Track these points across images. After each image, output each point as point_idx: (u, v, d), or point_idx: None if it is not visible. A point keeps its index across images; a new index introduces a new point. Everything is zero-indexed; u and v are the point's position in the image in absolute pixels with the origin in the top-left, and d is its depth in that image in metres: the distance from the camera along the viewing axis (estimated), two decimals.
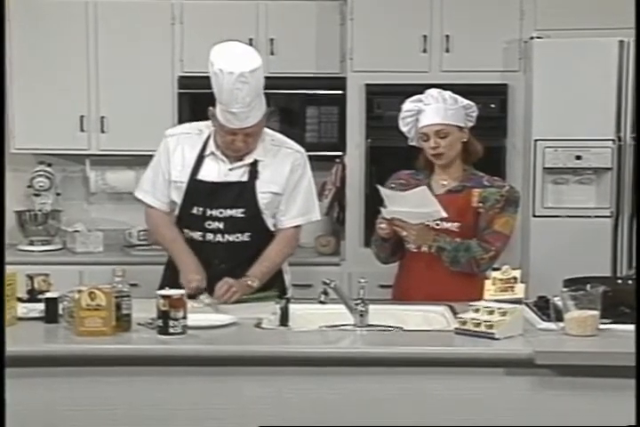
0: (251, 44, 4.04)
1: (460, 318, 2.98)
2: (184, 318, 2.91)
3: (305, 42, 5.24)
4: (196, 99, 5.04)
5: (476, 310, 2.97)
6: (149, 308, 2.96)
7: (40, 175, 5.41)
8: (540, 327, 3.03)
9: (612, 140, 4.85)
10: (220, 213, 3.59)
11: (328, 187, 5.22)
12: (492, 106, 4.98)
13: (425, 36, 5.02)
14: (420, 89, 3.76)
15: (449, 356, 2.84)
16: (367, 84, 5.05)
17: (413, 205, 3.46)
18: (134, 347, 2.87)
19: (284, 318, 3.13)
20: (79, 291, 2.91)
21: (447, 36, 5.02)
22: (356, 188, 5.12)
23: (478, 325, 2.90)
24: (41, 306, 3.10)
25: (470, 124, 3.69)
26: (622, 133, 4.86)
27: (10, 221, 5.10)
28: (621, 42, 4.79)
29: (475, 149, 3.69)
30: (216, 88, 3.44)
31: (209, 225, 3.61)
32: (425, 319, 3.32)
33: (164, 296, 2.90)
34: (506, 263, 3.18)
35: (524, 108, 5.01)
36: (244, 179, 3.61)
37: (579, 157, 4.87)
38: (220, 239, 3.61)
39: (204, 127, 3.67)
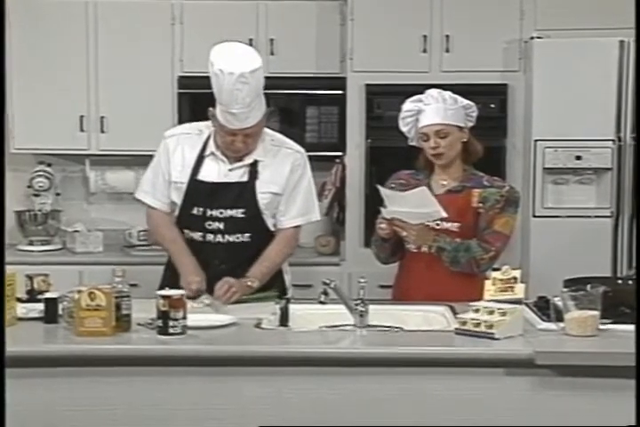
0: (251, 45, 4.04)
1: (460, 318, 2.98)
2: (184, 318, 2.91)
3: (305, 42, 5.24)
4: (195, 99, 5.04)
5: (476, 311, 2.97)
6: (149, 308, 2.96)
7: (40, 175, 5.41)
8: (540, 328, 3.03)
9: (612, 140, 4.85)
10: (221, 213, 3.59)
11: (328, 187, 5.22)
12: (492, 106, 4.98)
13: (425, 36, 5.02)
14: (420, 89, 3.76)
15: (449, 356, 2.84)
16: (367, 85, 5.05)
17: (413, 206, 3.46)
18: (134, 347, 2.87)
19: (283, 319, 3.13)
20: (79, 291, 2.91)
21: (447, 36, 5.02)
22: (356, 188, 5.12)
23: (478, 325, 2.90)
24: (40, 306, 3.10)
25: (470, 125, 3.69)
26: (622, 134, 4.85)
27: (9, 221, 5.10)
28: (622, 42, 4.79)
29: (475, 149, 3.69)
30: (216, 88, 3.43)
31: (209, 225, 3.61)
32: (425, 320, 3.32)
33: (163, 296, 2.90)
34: (506, 263, 3.18)
35: (524, 109, 5.01)
36: (244, 179, 3.60)
37: (579, 158, 4.86)
38: (221, 240, 3.61)
39: (204, 127, 3.66)
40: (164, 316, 2.89)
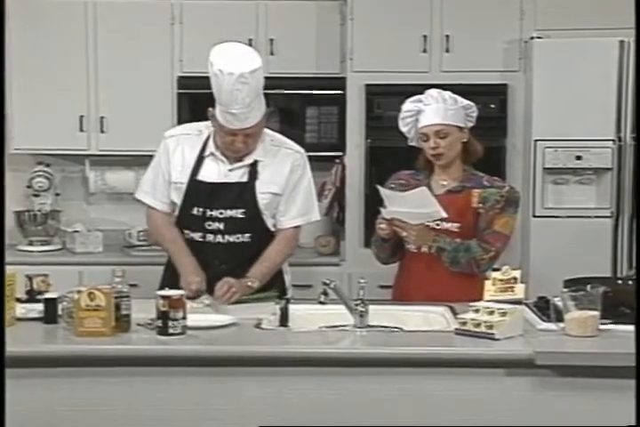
0: (250, 45, 4.04)
1: (460, 318, 2.98)
2: (183, 318, 2.91)
3: (305, 42, 5.24)
4: (195, 99, 5.04)
5: (476, 311, 2.96)
6: (149, 308, 2.96)
7: (39, 175, 5.41)
8: (540, 328, 3.03)
9: (613, 140, 4.85)
10: (220, 213, 3.59)
11: (328, 187, 5.22)
12: (492, 106, 4.98)
13: (425, 36, 5.02)
14: (419, 89, 3.75)
15: (449, 356, 2.83)
16: (367, 85, 5.05)
17: (413, 206, 3.45)
18: (134, 347, 2.87)
19: (283, 319, 3.13)
20: (78, 291, 2.91)
21: (447, 36, 5.01)
22: (356, 188, 5.12)
23: (478, 325, 2.90)
24: (40, 306, 3.10)
25: (470, 125, 3.68)
26: (622, 134, 4.85)
27: (9, 221, 5.10)
28: (622, 42, 4.79)
29: (475, 149, 3.69)
30: (216, 89, 3.43)
31: (209, 226, 3.60)
32: (425, 320, 3.32)
33: (163, 297, 2.90)
34: (506, 264, 3.18)
35: (524, 109, 5.01)
36: (244, 179, 3.60)
37: (579, 158, 4.86)
38: (221, 240, 3.61)
39: (204, 128, 3.66)
40: (163, 316, 2.89)
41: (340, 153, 5.20)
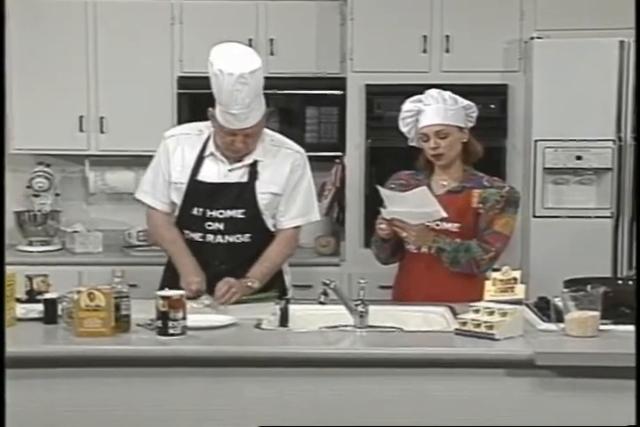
0: (250, 45, 4.05)
1: (461, 318, 2.98)
2: (183, 318, 2.90)
3: (305, 42, 5.24)
4: (195, 99, 5.04)
5: (477, 311, 2.96)
6: (149, 309, 2.96)
7: (39, 176, 5.41)
8: (540, 328, 3.03)
9: (613, 140, 4.85)
10: (220, 213, 3.59)
11: (328, 187, 5.22)
12: (492, 106, 4.98)
13: (425, 37, 5.02)
14: (420, 89, 3.75)
15: (449, 357, 2.83)
16: (367, 85, 5.04)
17: (413, 206, 3.45)
18: (133, 348, 2.86)
19: (283, 319, 3.13)
20: (78, 292, 2.90)
21: (447, 37, 5.01)
22: (356, 188, 5.12)
23: (478, 325, 2.89)
24: (40, 307, 3.09)
25: (470, 125, 3.68)
26: (623, 134, 4.85)
27: (9, 221, 5.10)
28: (622, 42, 4.79)
29: (475, 149, 3.69)
30: (215, 89, 3.43)
31: (209, 226, 3.60)
32: (425, 320, 3.32)
33: (163, 297, 2.89)
34: (506, 264, 3.17)
35: (525, 109, 5.01)
36: (244, 179, 3.60)
37: (579, 158, 4.86)
38: (221, 240, 3.61)
39: (204, 128, 3.66)
40: (163, 316, 2.88)
41: (340, 153, 5.20)
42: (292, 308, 3.17)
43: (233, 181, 3.60)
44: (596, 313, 2.92)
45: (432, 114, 3.60)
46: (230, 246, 3.60)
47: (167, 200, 3.69)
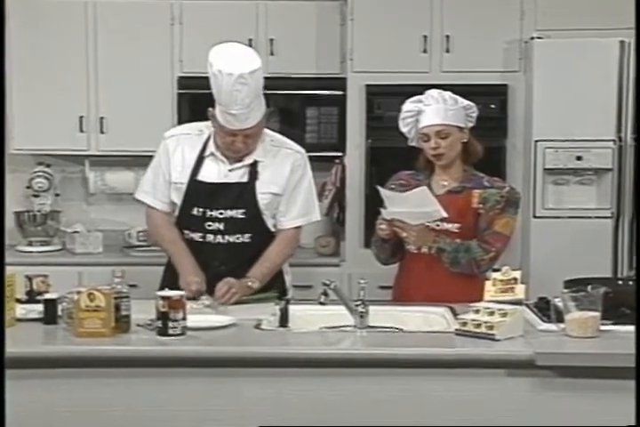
0: (250, 45, 4.04)
1: (461, 319, 2.97)
2: (183, 319, 2.90)
3: (305, 42, 5.24)
4: (195, 99, 5.03)
5: (477, 311, 2.96)
6: (149, 309, 2.95)
7: (39, 176, 5.41)
8: (540, 328, 3.03)
9: (613, 140, 4.85)
10: (220, 213, 3.59)
11: (328, 187, 5.21)
12: (493, 106, 4.98)
13: (425, 37, 5.02)
14: (420, 89, 3.75)
15: (449, 357, 2.83)
16: (367, 85, 5.04)
17: (413, 206, 3.45)
18: (133, 348, 2.86)
19: (283, 319, 3.12)
20: (78, 292, 2.90)
21: (447, 37, 5.01)
22: (356, 188, 5.11)
23: (479, 326, 2.89)
24: (40, 307, 3.09)
25: (470, 125, 3.68)
26: (623, 134, 4.85)
27: (9, 221, 5.10)
28: (622, 42, 4.79)
29: (475, 149, 3.69)
30: (215, 89, 3.43)
31: (209, 226, 3.60)
32: (425, 320, 3.32)
33: (163, 297, 2.89)
34: (506, 264, 3.17)
35: (525, 109, 5.01)
36: (244, 180, 3.60)
37: (579, 158, 4.86)
38: (221, 240, 3.61)
39: (204, 128, 3.66)
40: (163, 317, 2.88)
41: (340, 153, 5.20)
42: (292, 308, 3.17)
43: (233, 181, 3.60)
44: (597, 313, 2.91)
45: (432, 114, 3.60)
46: (230, 246, 3.60)
47: (167, 200, 3.69)
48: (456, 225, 3.57)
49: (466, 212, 3.60)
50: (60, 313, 3.05)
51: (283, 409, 2.82)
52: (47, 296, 3.10)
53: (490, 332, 2.87)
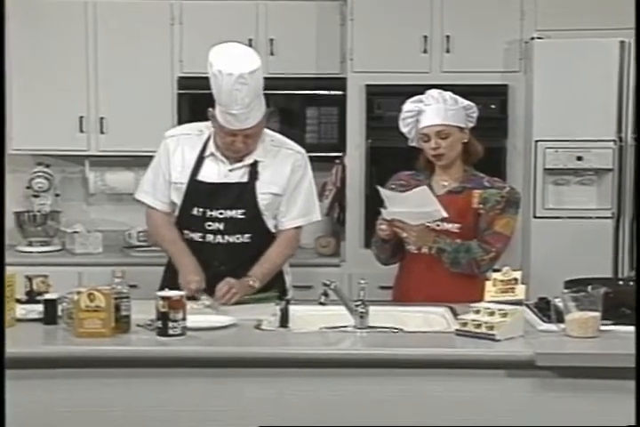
0: (250, 45, 4.04)
1: (461, 319, 2.97)
2: (183, 319, 2.90)
3: (305, 42, 5.24)
4: (195, 99, 5.03)
5: (477, 312, 2.96)
6: (149, 309, 2.95)
7: (39, 176, 5.41)
8: (540, 329, 3.02)
9: (614, 140, 4.85)
10: (220, 213, 3.59)
11: (328, 187, 5.21)
12: (493, 106, 4.98)
13: (425, 37, 5.02)
14: (420, 89, 3.75)
15: (449, 357, 2.83)
16: (367, 85, 5.04)
17: (414, 206, 3.45)
18: (133, 348, 2.86)
19: (283, 320, 3.12)
20: (78, 292, 2.90)
21: (447, 37, 5.01)
22: (357, 188, 5.11)
23: (479, 326, 2.89)
24: (40, 307, 3.09)
25: (471, 125, 3.68)
26: (623, 134, 4.85)
27: (9, 221, 5.09)
28: (622, 42, 4.79)
29: (475, 149, 3.68)
30: (215, 89, 3.43)
31: (209, 226, 3.60)
32: (425, 321, 3.31)
33: (163, 297, 2.89)
34: (506, 264, 3.17)
35: (525, 109, 5.01)
36: (244, 180, 3.60)
37: (580, 158, 4.86)
38: (220, 240, 3.61)
39: (204, 128, 3.66)
40: (163, 317, 2.88)
41: (340, 153, 5.20)
42: (293, 308, 3.16)
43: (233, 181, 3.59)
44: (597, 314, 2.91)
45: (433, 114, 3.59)
46: (230, 247, 3.60)
47: (167, 200, 3.68)
48: (456, 225, 3.57)
49: (466, 212, 3.59)
50: (60, 313, 3.04)
51: (283, 409, 2.82)
52: (47, 296, 3.10)
53: (490, 332, 2.86)
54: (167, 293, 2.92)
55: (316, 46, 5.25)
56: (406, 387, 2.82)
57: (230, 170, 3.60)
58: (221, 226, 3.59)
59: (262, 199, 3.59)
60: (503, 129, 5.04)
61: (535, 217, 4.93)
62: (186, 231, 3.64)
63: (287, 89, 5.14)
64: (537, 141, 4.89)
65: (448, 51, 5.01)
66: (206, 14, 5.22)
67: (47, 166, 5.47)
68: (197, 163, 3.61)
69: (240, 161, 3.60)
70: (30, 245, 5.35)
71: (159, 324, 2.89)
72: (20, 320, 3.06)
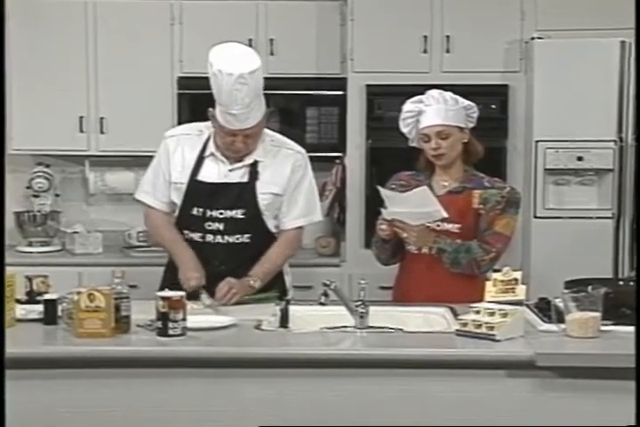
0: (250, 45, 4.04)
1: (461, 319, 2.97)
2: (183, 319, 2.90)
3: (305, 42, 5.24)
4: (195, 99, 5.03)
5: (477, 312, 2.96)
6: (149, 309, 2.95)
7: (39, 176, 5.41)
8: (541, 329, 3.02)
9: (614, 140, 4.85)
10: (220, 213, 3.58)
11: (328, 188, 5.21)
12: (493, 107, 4.98)
13: (425, 37, 5.02)
14: (420, 90, 3.74)
15: (450, 358, 2.83)
16: (368, 85, 5.04)
17: (414, 206, 3.45)
18: (133, 349, 2.86)
19: (284, 320, 3.12)
20: (78, 292, 2.90)
21: (448, 37, 5.01)
22: (357, 189, 5.11)
23: (479, 326, 2.89)
24: (40, 308, 3.09)
25: (471, 125, 3.67)
26: (624, 134, 4.85)
27: (9, 222, 5.10)
28: (622, 42, 4.79)
29: (475, 149, 3.68)
30: (215, 89, 3.43)
31: (209, 226, 3.60)
32: (425, 321, 3.31)
33: (163, 298, 2.89)
34: (507, 265, 3.17)
35: (525, 109, 5.01)
36: (245, 180, 3.60)
37: (580, 158, 4.86)
38: (220, 240, 3.60)
39: (204, 128, 3.66)
40: (163, 317, 2.88)
41: (340, 154, 5.19)
42: (293, 309, 3.16)
43: (233, 181, 3.59)
44: (597, 314, 2.91)
45: (433, 114, 3.59)
46: (230, 247, 3.60)
47: (167, 200, 3.68)
48: (456, 225, 3.57)
49: (466, 212, 3.59)
50: (59, 314, 3.04)
51: (283, 410, 2.82)
52: (47, 297, 3.10)
53: (490, 332, 2.86)
54: (167, 293, 2.92)
55: (316, 46, 5.25)
56: (406, 387, 2.82)
57: (230, 170, 3.60)
58: (221, 226, 3.59)
59: (262, 199, 3.59)
60: (503, 129, 5.04)
61: (535, 217, 4.93)
62: (186, 231, 3.64)
63: (287, 89, 5.14)
64: (537, 142, 4.88)
65: (448, 51, 5.01)
66: (206, 14, 5.22)
67: (47, 166, 5.47)
68: (197, 163, 3.61)
69: (240, 161, 3.60)
70: (30, 245, 5.35)
71: (159, 324, 2.89)
72: (20, 320, 3.06)
